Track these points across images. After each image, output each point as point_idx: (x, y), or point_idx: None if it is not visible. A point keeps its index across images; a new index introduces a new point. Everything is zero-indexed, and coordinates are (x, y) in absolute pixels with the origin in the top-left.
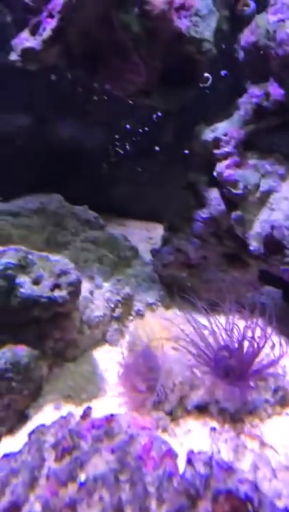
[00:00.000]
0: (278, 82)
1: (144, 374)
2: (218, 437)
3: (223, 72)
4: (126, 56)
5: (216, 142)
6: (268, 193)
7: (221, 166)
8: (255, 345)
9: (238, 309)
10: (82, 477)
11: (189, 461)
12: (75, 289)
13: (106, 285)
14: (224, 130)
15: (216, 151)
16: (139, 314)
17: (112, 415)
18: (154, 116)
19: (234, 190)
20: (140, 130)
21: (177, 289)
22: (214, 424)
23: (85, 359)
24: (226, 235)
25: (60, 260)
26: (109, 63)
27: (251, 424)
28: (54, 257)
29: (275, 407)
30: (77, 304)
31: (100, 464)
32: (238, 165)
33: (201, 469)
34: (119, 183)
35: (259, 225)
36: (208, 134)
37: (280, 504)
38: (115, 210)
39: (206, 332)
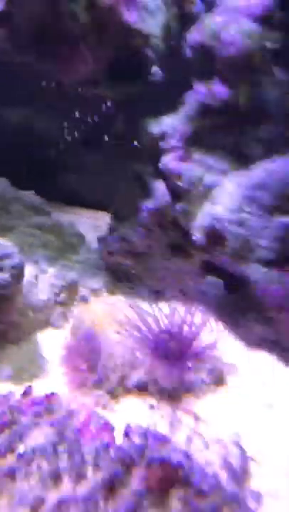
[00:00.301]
0: (223, 81)
1: (86, 355)
2: (156, 413)
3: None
4: (73, 45)
5: (162, 135)
6: (210, 187)
7: (166, 159)
8: (194, 328)
9: (180, 297)
10: (21, 449)
11: (126, 434)
12: (17, 272)
13: (51, 270)
14: (170, 124)
15: (161, 144)
16: (84, 300)
17: (52, 393)
18: (104, 105)
19: (178, 183)
20: (90, 119)
21: (122, 276)
22: (153, 402)
23: (28, 342)
24: (170, 226)
25: (2, 243)
26: (56, 50)
27: (187, 401)
28: None
29: (210, 386)
30: (20, 287)
31: (39, 436)
32: (182, 159)
33: (137, 440)
34: (67, 172)
35: (202, 217)
36: (155, 127)
37: (210, 471)
38: (64, 198)
39: (148, 317)
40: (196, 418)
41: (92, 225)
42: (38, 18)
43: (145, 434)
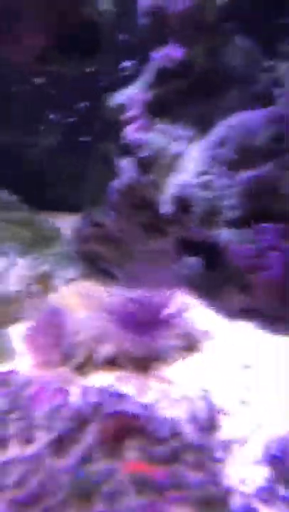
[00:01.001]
0: (177, 41)
1: (50, 332)
2: (124, 383)
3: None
4: (20, 20)
5: (122, 107)
6: (177, 156)
7: (128, 130)
8: (164, 299)
9: (157, 281)
10: None
11: (82, 394)
12: None
13: (22, 262)
14: (129, 94)
15: (122, 117)
16: (58, 290)
17: (10, 371)
18: (82, 105)
19: (142, 154)
20: (67, 120)
21: (99, 264)
22: (122, 373)
23: None
24: (140, 204)
25: None
26: (3, 28)
27: (158, 368)
28: None
29: (182, 352)
30: None
31: None
32: (145, 128)
33: (92, 398)
34: (49, 178)
35: (169, 187)
36: (115, 100)
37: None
38: (52, 207)
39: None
40: (165, 382)
41: (72, 222)
42: None
43: (101, 392)
